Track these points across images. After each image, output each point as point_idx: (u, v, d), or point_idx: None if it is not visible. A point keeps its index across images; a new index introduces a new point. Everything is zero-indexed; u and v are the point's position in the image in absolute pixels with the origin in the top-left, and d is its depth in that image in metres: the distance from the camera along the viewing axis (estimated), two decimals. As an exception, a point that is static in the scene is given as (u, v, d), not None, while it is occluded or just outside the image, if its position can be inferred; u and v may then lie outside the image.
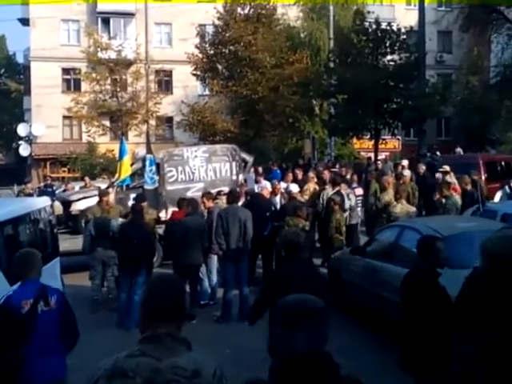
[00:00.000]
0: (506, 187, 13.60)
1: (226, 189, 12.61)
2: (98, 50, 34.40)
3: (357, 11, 28.75)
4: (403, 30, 24.35)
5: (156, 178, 13.56)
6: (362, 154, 32.64)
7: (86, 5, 39.06)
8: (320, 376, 2.33)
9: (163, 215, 13.35)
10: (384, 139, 27.54)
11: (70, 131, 40.15)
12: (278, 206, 12.56)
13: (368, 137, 26.82)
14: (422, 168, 16.23)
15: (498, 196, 13.66)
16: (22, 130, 38.69)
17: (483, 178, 16.25)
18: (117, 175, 14.81)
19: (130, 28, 39.71)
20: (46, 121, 37.65)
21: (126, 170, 14.15)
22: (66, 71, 39.79)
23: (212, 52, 29.68)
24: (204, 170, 14.21)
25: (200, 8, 35.39)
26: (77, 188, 21.43)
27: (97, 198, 11.85)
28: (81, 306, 8.25)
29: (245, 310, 8.81)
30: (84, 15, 39.11)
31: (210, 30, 31.76)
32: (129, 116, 35.17)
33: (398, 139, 33.97)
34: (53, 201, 12.07)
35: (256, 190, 13.58)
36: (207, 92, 33.47)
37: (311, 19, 33.88)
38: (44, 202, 9.51)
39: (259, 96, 27.56)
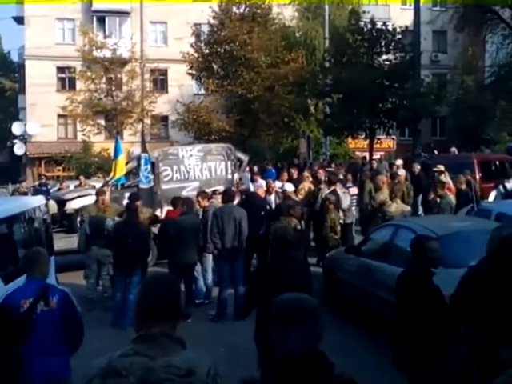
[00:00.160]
0: (500, 187, 13.63)
1: (221, 188, 12.61)
2: (93, 48, 34.28)
3: (352, 11, 28.77)
4: (398, 30, 24.36)
5: (151, 177, 13.54)
6: (357, 153, 32.69)
7: (81, 3, 38.95)
8: (314, 375, 2.34)
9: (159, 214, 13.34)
10: (379, 139, 27.57)
11: (65, 130, 40.09)
12: (273, 205, 12.57)
13: (363, 136, 26.85)
14: (417, 167, 16.28)
15: (492, 195, 13.70)
16: (16, 128, 38.58)
17: (478, 177, 16.32)
18: (112, 174, 14.79)
19: (126, 27, 39.65)
20: (41, 119, 37.57)
21: (120, 168, 14.13)
22: (60, 70, 39.71)
23: (207, 51, 29.67)
24: (199, 169, 14.19)
25: (195, 7, 35.39)
26: (72, 187, 21.39)
27: (91, 197, 11.85)
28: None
29: (240, 309, 8.82)
30: (79, 14, 39.02)
31: (205, 29, 31.78)
32: (124, 115, 35.10)
33: (393, 139, 34.04)
34: (47, 200, 12.06)
35: (252, 189, 13.59)
36: (202, 91, 33.46)
37: (306, 19, 33.90)
38: (39, 200, 9.49)
39: (254, 95, 27.56)
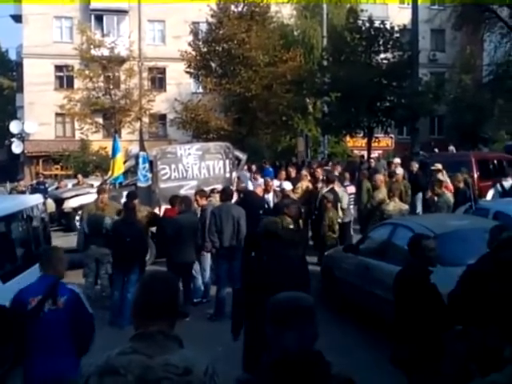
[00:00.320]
0: (498, 185, 13.63)
1: (219, 186, 12.59)
2: (91, 47, 34.26)
3: (350, 9, 28.78)
4: (396, 29, 24.38)
5: (149, 175, 13.52)
6: (356, 152, 32.71)
7: (79, 2, 38.91)
8: (311, 375, 2.33)
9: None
10: (377, 137, 27.58)
11: (63, 128, 40.05)
12: (272, 204, 12.57)
13: (361, 135, 26.86)
14: (415, 166, 16.28)
15: (490, 194, 13.71)
16: (14, 127, 38.58)
17: (475, 176, 16.32)
18: (110, 173, 14.79)
19: (123, 25, 39.61)
20: (39, 118, 37.55)
21: (118, 167, 14.12)
22: (58, 68, 39.66)
23: (205, 50, 29.67)
24: (197, 168, 14.18)
25: (193, 5, 35.31)
26: (69, 185, 21.40)
27: (89, 196, 11.83)
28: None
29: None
30: (77, 12, 38.96)
31: (203, 27, 31.78)
32: (122, 113, 35.07)
33: (391, 137, 34.07)
34: (45, 198, 12.05)
35: (252, 188, 13.58)
36: (200, 90, 33.46)
37: (305, 17, 33.89)
38: (36, 199, 9.49)
39: (252, 94, 27.58)
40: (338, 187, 12.93)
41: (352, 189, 14.61)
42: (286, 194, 12.08)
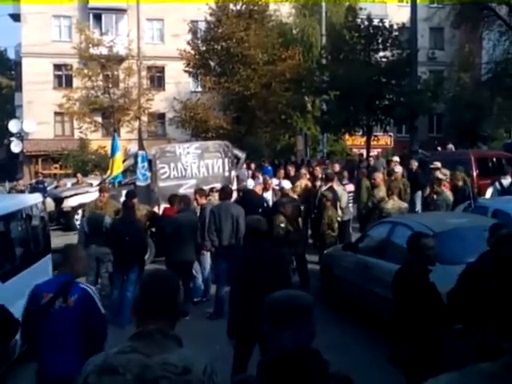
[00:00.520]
0: (497, 183, 13.64)
1: (218, 185, 12.60)
2: (90, 46, 34.24)
3: (349, 8, 28.74)
4: (395, 27, 24.40)
5: (148, 174, 13.52)
6: (355, 150, 32.71)
7: (78, 1, 38.86)
8: (308, 373, 2.33)
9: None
10: (376, 136, 27.58)
11: (62, 128, 40.03)
12: (271, 203, 12.56)
13: (360, 133, 26.88)
14: (415, 164, 16.28)
15: (489, 192, 13.71)
16: (13, 126, 38.54)
17: (474, 174, 16.32)
18: (109, 172, 14.79)
19: (122, 24, 39.58)
20: (38, 117, 37.51)
21: (118, 166, 14.13)
22: (57, 67, 39.61)
23: (204, 48, 29.66)
24: (196, 167, 14.18)
25: (192, 4, 35.24)
26: (69, 185, 21.41)
27: (89, 195, 11.83)
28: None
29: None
30: (75, 11, 38.92)
31: (202, 26, 31.76)
32: (121, 112, 35.06)
33: (390, 136, 34.08)
34: (44, 197, 12.05)
35: (254, 186, 13.57)
36: (199, 88, 33.48)
37: (303, 16, 33.88)
38: (36, 198, 9.46)
39: (251, 92, 27.57)
40: (337, 186, 12.92)
41: (351, 187, 14.60)
42: (285, 192, 12.08)
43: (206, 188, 12.30)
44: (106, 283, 10.57)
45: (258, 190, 12.81)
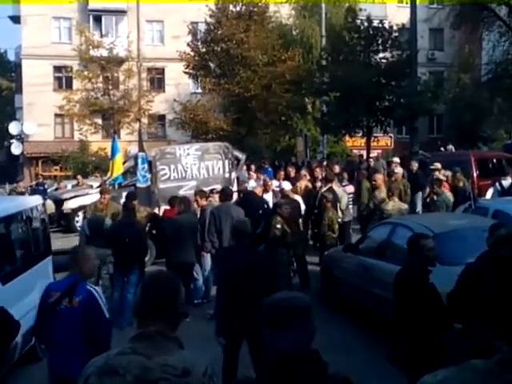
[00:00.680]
0: (497, 184, 13.64)
1: (218, 187, 12.60)
2: (90, 47, 34.30)
3: (348, 9, 28.71)
4: (395, 28, 24.36)
5: (148, 176, 13.53)
6: (355, 151, 32.67)
7: (78, 2, 38.87)
8: (307, 374, 2.32)
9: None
10: (376, 137, 27.55)
11: (62, 129, 40.03)
12: (271, 204, 12.55)
13: (360, 134, 26.83)
14: (415, 165, 16.28)
15: (489, 193, 13.71)
16: (13, 128, 38.56)
17: (475, 175, 16.33)
18: (109, 173, 14.79)
19: (122, 26, 39.59)
20: (38, 119, 37.52)
21: (118, 168, 14.13)
22: (57, 69, 39.61)
23: (204, 50, 29.65)
24: (196, 168, 14.18)
25: (192, 5, 35.30)
26: (69, 186, 21.42)
27: (89, 197, 11.83)
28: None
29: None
30: (75, 13, 38.92)
31: (202, 27, 31.73)
32: (121, 114, 35.09)
33: (390, 137, 34.01)
34: (45, 199, 12.02)
35: (254, 185, 13.57)
36: (199, 90, 33.46)
37: (303, 17, 33.87)
38: (36, 200, 9.45)
39: (251, 94, 27.55)
40: (337, 187, 12.92)
41: (351, 188, 14.60)
42: (285, 193, 12.08)
43: (206, 189, 12.30)
44: (106, 285, 10.57)
45: (259, 191, 12.81)
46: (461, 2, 26.64)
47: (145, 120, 36.78)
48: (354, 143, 33.05)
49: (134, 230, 9.61)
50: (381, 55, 24.48)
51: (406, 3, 29.72)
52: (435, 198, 11.97)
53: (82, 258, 4.95)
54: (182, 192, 13.13)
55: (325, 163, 20.96)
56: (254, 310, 6.00)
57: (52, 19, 38.76)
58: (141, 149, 14.21)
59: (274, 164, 25.17)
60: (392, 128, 26.79)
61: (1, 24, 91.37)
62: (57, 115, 38.39)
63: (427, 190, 13.17)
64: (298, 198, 12.46)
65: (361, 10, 27.63)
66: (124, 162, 15.17)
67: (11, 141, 39.55)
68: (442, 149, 25.45)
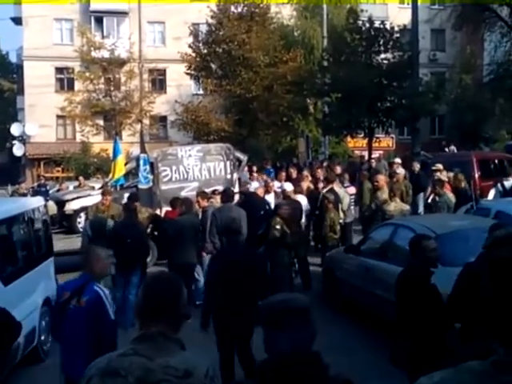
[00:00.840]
0: (499, 185, 13.63)
1: (220, 188, 12.60)
2: (92, 49, 34.33)
3: (350, 10, 28.71)
4: (396, 29, 24.33)
5: (150, 177, 13.54)
6: (356, 152, 32.65)
7: (79, 4, 38.95)
8: (307, 376, 2.31)
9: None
10: (378, 138, 27.55)
11: (64, 131, 40.07)
12: (272, 205, 12.55)
13: (362, 135, 26.82)
14: (417, 166, 16.26)
15: (491, 194, 13.70)
16: (15, 129, 38.59)
17: (477, 175, 16.32)
18: (111, 175, 14.80)
19: (124, 27, 39.64)
20: (40, 120, 37.56)
21: (120, 169, 14.13)
22: (59, 70, 39.67)
23: (205, 51, 29.63)
24: (198, 170, 14.20)
25: (193, 7, 35.36)
26: (71, 188, 21.42)
27: (91, 198, 11.84)
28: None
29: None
30: (77, 14, 39.00)
31: (203, 28, 31.72)
32: (122, 115, 35.12)
33: (392, 137, 33.98)
34: (47, 200, 12.05)
35: (256, 186, 13.56)
36: (201, 91, 33.49)
37: (305, 18, 33.86)
38: (38, 201, 9.48)
39: (253, 95, 27.53)
40: (338, 188, 12.91)
41: (352, 189, 14.60)
42: (287, 194, 12.07)
43: (208, 190, 12.31)
44: (109, 285, 10.57)
45: (260, 192, 12.81)
46: (462, 2, 26.65)
47: (146, 121, 36.83)
48: (356, 144, 33.01)
49: (136, 231, 9.62)
50: (382, 56, 24.47)
51: (408, 4, 29.76)
52: (437, 198, 11.96)
53: (93, 258, 5.00)
54: (183, 193, 13.15)
55: (325, 164, 20.96)
56: (245, 307, 6.05)
57: (53, 20, 38.81)
58: (142, 150, 14.22)
59: (276, 165, 25.14)
60: (394, 129, 26.80)
61: (2, 25, 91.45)
62: (59, 116, 38.43)
63: (429, 190, 13.17)
64: (303, 197, 12.40)
65: (362, 10, 27.62)
66: (126, 164, 15.18)
67: (13, 142, 39.56)
68: (446, 149, 25.43)
